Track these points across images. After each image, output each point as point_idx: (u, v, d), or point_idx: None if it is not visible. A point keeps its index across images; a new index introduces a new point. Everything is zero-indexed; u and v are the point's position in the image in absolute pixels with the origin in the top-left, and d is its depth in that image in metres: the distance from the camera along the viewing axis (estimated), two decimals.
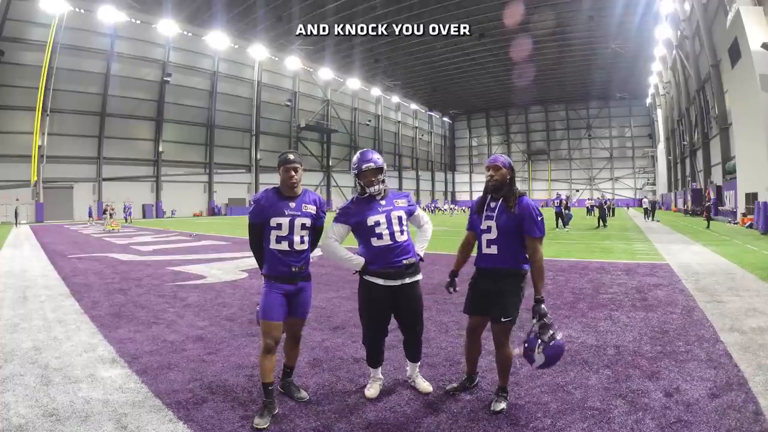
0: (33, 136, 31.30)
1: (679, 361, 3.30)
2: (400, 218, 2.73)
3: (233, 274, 7.76)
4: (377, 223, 2.68)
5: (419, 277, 2.78)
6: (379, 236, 2.67)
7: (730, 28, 19.87)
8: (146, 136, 38.47)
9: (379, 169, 2.72)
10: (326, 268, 8.01)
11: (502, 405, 2.57)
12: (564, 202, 18.62)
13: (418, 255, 2.81)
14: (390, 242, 2.67)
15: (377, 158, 2.75)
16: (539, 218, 2.57)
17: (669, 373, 3.06)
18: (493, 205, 2.66)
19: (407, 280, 2.70)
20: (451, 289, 2.80)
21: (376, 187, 2.71)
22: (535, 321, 2.50)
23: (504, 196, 2.63)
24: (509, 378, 2.73)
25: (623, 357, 3.40)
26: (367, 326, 2.80)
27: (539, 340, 2.45)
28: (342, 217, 2.74)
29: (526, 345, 2.51)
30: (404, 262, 2.69)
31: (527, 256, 2.60)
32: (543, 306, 2.50)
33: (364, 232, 2.71)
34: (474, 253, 2.84)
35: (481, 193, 2.81)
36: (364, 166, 2.70)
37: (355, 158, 2.78)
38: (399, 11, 36.95)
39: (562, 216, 18.16)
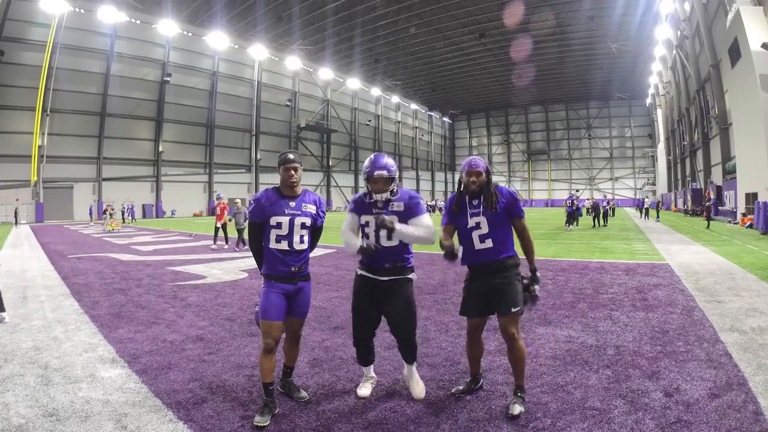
0: (33, 136, 31.28)
1: (679, 361, 3.30)
2: None
3: (233, 274, 7.76)
4: (366, 224, 2.76)
5: (407, 276, 2.77)
6: (366, 236, 2.76)
7: (730, 28, 19.88)
8: (146, 136, 38.45)
9: (390, 179, 2.69)
10: (326, 268, 8.01)
11: (520, 408, 2.51)
12: (575, 202, 18.70)
13: (389, 221, 2.55)
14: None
15: (390, 165, 2.71)
16: (520, 200, 2.76)
17: (669, 373, 3.06)
18: (475, 202, 2.71)
19: (391, 277, 2.72)
20: (458, 252, 2.58)
21: (383, 196, 2.69)
22: (527, 283, 2.70)
23: (485, 197, 2.69)
24: (525, 376, 2.67)
25: (623, 357, 3.40)
26: (354, 320, 2.83)
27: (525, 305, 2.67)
28: (353, 207, 2.84)
29: None
30: (386, 265, 2.72)
31: (519, 236, 2.74)
32: (538, 274, 2.74)
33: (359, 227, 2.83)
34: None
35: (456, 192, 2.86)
36: (375, 174, 2.66)
37: (368, 161, 2.73)
38: (399, 11, 36.92)
39: (575, 217, 18.17)
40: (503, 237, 2.67)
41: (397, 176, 2.73)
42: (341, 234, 2.82)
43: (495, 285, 2.63)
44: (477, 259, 2.70)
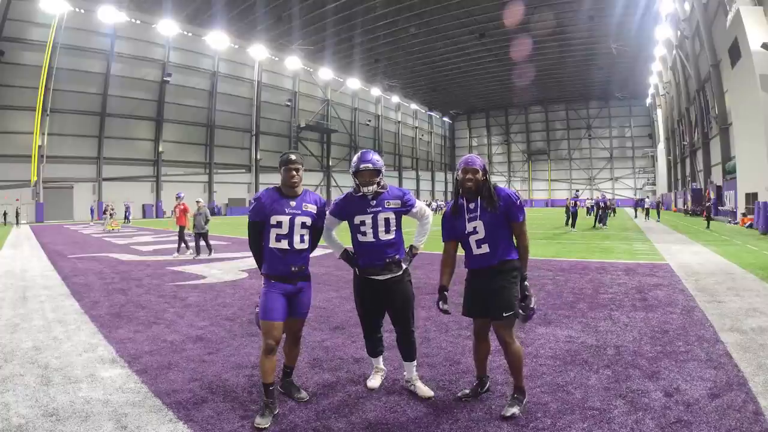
0: (33, 136, 31.29)
1: (679, 361, 3.29)
2: (387, 220, 2.80)
3: (233, 274, 7.77)
4: (362, 223, 2.80)
5: (406, 272, 2.87)
6: (363, 234, 2.80)
7: (730, 28, 19.87)
8: (146, 136, 38.47)
9: (376, 171, 2.80)
10: (326, 268, 8.01)
11: (514, 410, 2.48)
12: (577, 202, 18.79)
13: (415, 247, 2.94)
14: (373, 240, 2.78)
15: (376, 160, 2.82)
16: (519, 202, 2.66)
17: (669, 373, 3.06)
18: (472, 206, 2.66)
19: (390, 275, 2.80)
20: (445, 306, 2.69)
21: (371, 188, 2.78)
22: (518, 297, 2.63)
23: (484, 196, 2.64)
24: (523, 377, 2.64)
25: (623, 357, 3.40)
26: (361, 316, 2.97)
27: (520, 313, 2.62)
28: (334, 210, 2.92)
29: None
30: (387, 260, 2.79)
31: (516, 239, 2.69)
32: (526, 283, 2.65)
33: (351, 228, 2.87)
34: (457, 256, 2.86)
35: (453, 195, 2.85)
36: (362, 166, 2.78)
37: (355, 157, 2.86)
38: (399, 11, 36.91)
39: (575, 216, 18.29)
40: (501, 241, 2.63)
41: (382, 170, 2.85)
42: (324, 238, 2.95)
43: (490, 288, 2.61)
44: (475, 264, 2.70)
